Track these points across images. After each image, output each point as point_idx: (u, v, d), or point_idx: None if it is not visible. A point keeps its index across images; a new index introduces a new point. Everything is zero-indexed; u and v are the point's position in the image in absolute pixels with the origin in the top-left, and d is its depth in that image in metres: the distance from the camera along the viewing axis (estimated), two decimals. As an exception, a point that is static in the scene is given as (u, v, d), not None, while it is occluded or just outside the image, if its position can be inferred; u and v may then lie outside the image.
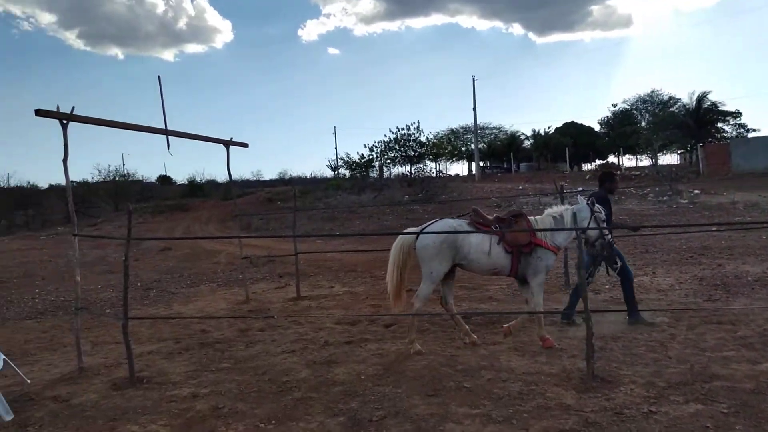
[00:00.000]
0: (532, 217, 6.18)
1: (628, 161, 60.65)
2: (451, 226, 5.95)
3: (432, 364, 5.54)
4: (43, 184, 42.86)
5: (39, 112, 5.45)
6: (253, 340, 6.95)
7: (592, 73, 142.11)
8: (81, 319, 6.18)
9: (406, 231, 6.28)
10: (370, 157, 47.55)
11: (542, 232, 5.92)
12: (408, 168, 46.74)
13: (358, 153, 48.23)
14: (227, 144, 8.92)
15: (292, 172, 68.76)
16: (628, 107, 58.26)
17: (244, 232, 20.85)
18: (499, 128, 73.33)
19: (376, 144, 46.75)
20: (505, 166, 68.44)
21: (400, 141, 47.36)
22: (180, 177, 66.21)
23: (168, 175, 66.27)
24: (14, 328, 8.40)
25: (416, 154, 46.82)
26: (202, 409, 4.80)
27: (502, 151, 67.46)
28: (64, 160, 5.74)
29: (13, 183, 36.67)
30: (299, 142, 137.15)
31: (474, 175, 53.47)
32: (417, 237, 5.96)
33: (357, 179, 43.76)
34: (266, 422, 4.46)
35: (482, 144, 67.43)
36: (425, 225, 6.16)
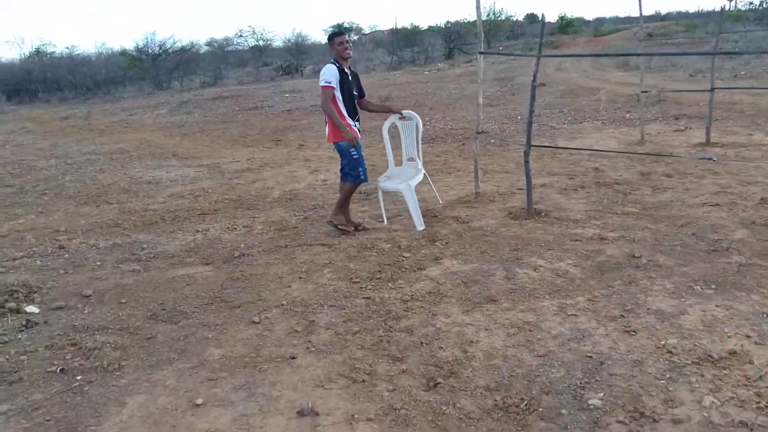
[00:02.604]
0: None
1: None
2: None
3: None
4: (424, 26, 46.30)
5: None
6: (659, 186, 5.89)
7: None
8: (479, 143, 6.03)
9: None
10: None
11: None
12: None
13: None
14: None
15: (671, 8, 58.89)
16: None
17: (621, 70, 18.70)
18: None
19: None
20: None
21: None
22: (548, 16, 63.63)
23: (534, 13, 64.26)
24: (412, 149, 9.05)
25: None
26: (613, 254, 4.16)
27: None
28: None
29: (399, 25, 40.98)
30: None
31: None
32: None
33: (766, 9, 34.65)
34: (702, 285, 3.57)
35: None
36: None
